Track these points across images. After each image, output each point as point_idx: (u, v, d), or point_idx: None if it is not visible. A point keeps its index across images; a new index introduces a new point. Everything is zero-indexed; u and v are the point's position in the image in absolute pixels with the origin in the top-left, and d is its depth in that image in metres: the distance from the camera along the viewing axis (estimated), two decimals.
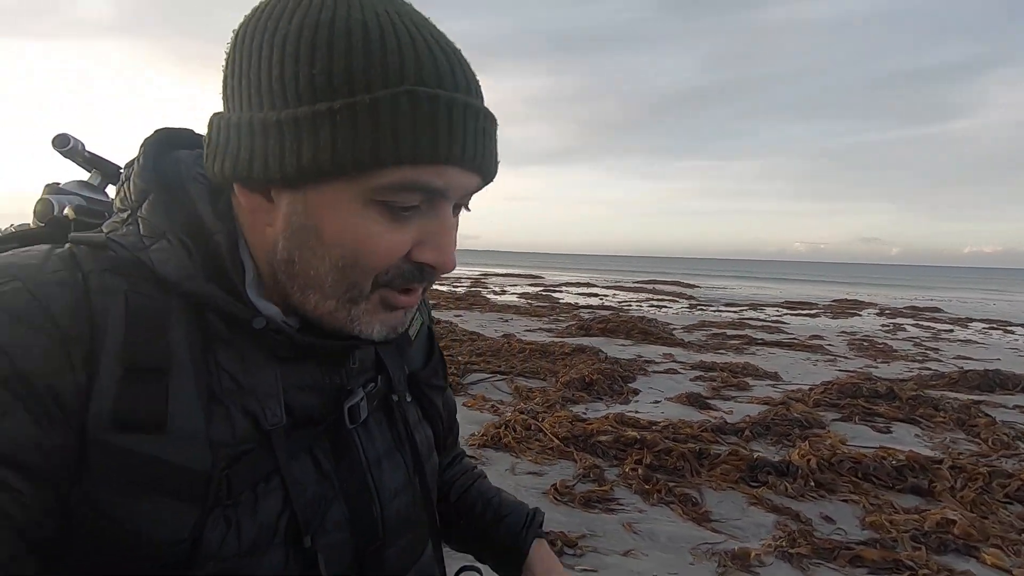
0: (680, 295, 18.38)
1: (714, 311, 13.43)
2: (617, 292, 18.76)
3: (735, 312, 13.31)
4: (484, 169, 0.46)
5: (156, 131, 0.53)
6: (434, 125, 0.41)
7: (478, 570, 0.72)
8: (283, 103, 0.42)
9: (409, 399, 0.61)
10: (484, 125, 0.45)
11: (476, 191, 0.48)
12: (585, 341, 7.30)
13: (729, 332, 9.20)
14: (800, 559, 2.39)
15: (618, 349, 7.11)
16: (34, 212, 0.61)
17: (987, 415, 4.49)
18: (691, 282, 25.85)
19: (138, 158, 0.51)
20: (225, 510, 0.45)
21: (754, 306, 15.24)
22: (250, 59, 0.43)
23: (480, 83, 0.47)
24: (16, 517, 0.39)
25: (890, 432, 4.20)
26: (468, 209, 0.51)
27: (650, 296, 17.51)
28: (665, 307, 14.15)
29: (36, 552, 0.40)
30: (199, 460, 0.43)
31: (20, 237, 0.53)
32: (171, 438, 0.43)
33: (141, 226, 0.47)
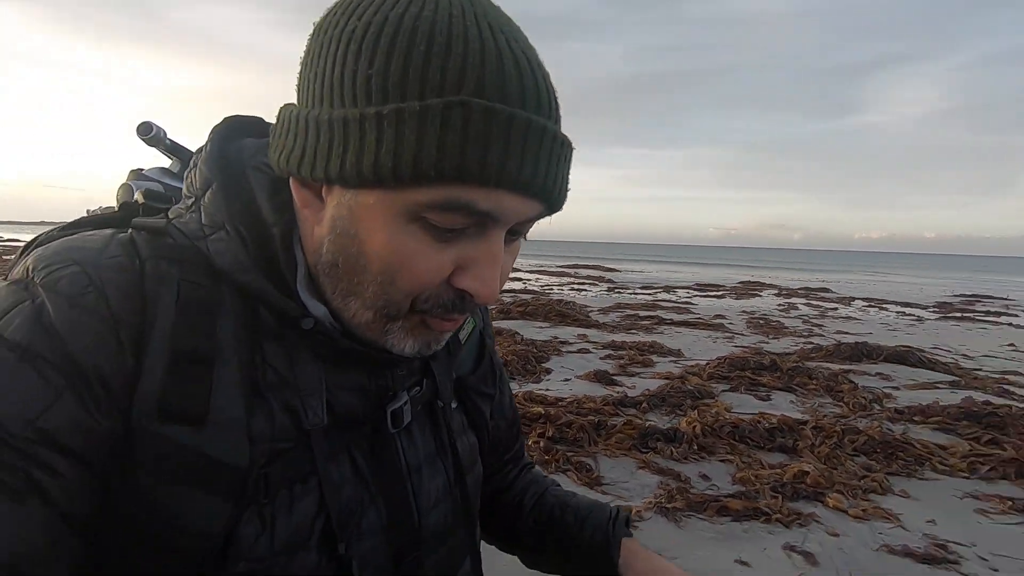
0: (600, 279, 19.07)
1: (630, 294, 14.06)
2: (540, 276, 19.18)
3: (649, 295, 14.01)
4: (545, 196, 0.41)
5: (226, 118, 0.53)
6: (486, 142, 0.38)
7: None
8: (340, 102, 0.40)
9: (455, 405, 0.59)
10: (552, 148, 0.41)
11: (537, 219, 0.44)
12: (504, 324, 7.49)
13: (642, 313, 9.71)
14: (675, 512, 2.67)
15: (535, 331, 7.36)
16: (116, 197, 0.61)
17: (851, 382, 5.08)
18: (612, 266, 26.77)
19: (206, 145, 0.50)
20: (260, 508, 0.44)
21: (668, 288, 16.09)
22: (320, 52, 0.41)
23: (560, 104, 0.43)
24: (60, 501, 0.39)
25: (770, 399, 4.68)
26: (525, 238, 0.48)
27: (571, 280, 18.05)
28: (585, 290, 14.66)
29: (78, 536, 0.40)
30: (238, 455, 0.42)
31: (93, 221, 0.53)
32: (212, 430, 0.42)
33: (203, 215, 0.47)
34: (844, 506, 2.80)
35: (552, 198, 0.42)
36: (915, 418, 4.13)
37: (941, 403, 4.34)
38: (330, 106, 0.41)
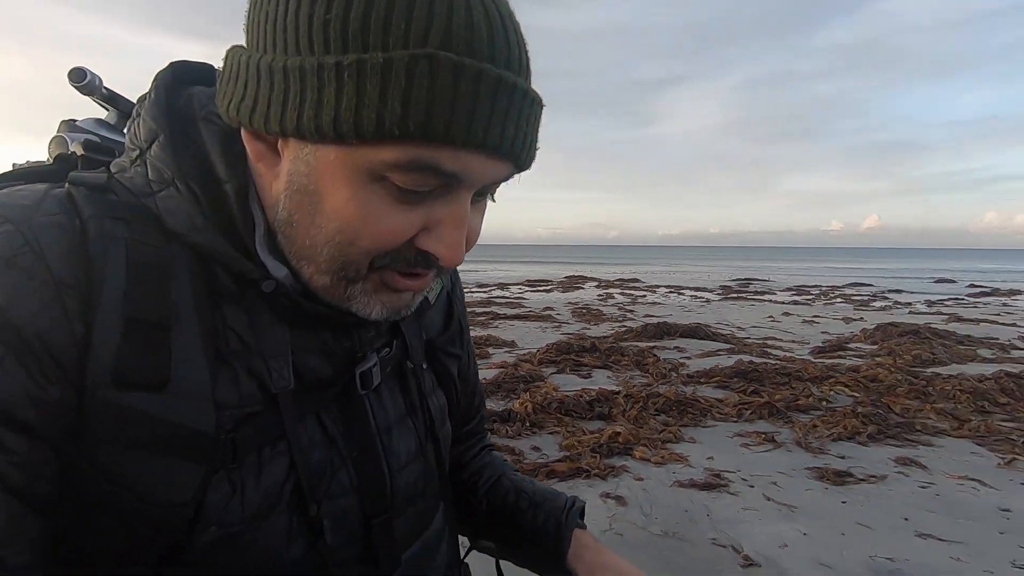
0: None
1: (467, 292, 14.45)
2: None
3: (484, 292, 14.58)
4: (515, 156, 0.40)
5: (170, 64, 0.48)
6: (453, 100, 0.35)
7: (491, 546, 0.69)
8: (295, 49, 0.37)
9: (425, 366, 0.58)
10: (522, 107, 0.38)
11: (505, 179, 0.42)
12: None
13: (478, 310, 10.10)
14: None
15: None
16: (48, 150, 0.56)
17: (655, 356, 5.91)
18: None
19: (149, 93, 0.46)
20: (229, 473, 0.42)
21: (501, 285, 16.87)
22: None
23: (531, 60, 0.40)
24: (12, 478, 0.36)
25: (591, 377, 5.26)
26: (493, 200, 0.45)
27: None
28: None
29: (38, 514, 0.38)
30: (204, 420, 0.41)
31: (23, 174, 0.48)
32: (174, 396, 0.40)
33: (149, 169, 0.43)
34: (648, 456, 3.32)
35: (521, 159, 0.40)
36: (701, 380, 4.98)
37: (720, 366, 5.28)
38: (284, 52, 0.37)
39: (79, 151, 0.52)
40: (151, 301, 0.41)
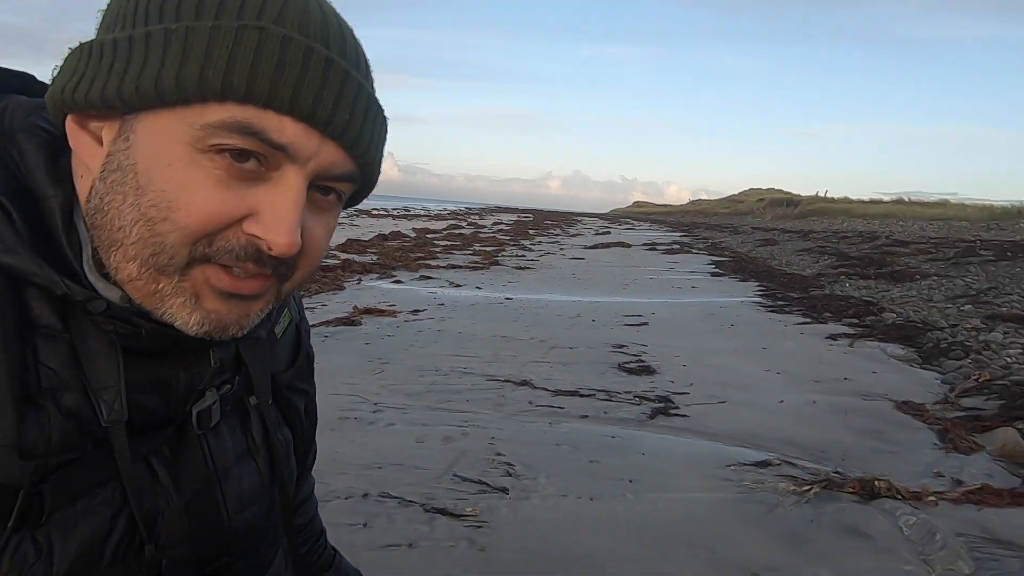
0: None
1: None
2: None
3: None
4: (350, 144, 0.39)
5: None
6: (280, 65, 0.36)
7: None
8: (131, 24, 0.37)
9: (270, 401, 0.55)
10: (357, 96, 0.39)
11: (348, 179, 0.42)
12: None
13: None
14: None
15: None
16: None
17: None
18: None
19: None
20: (34, 532, 0.39)
21: None
22: None
23: (370, 65, 0.41)
24: None
25: None
26: (340, 198, 0.43)
27: None
28: None
29: None
30: (3, 472, 0.37)
31: None
32: None
33: None
34: None
35: (359, 150, 0.40)
36: None
37: None
38: (121, 29, 0.38)
39: None
40: None
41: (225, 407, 0.50)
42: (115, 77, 0.37)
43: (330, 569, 0.75)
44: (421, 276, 8.11)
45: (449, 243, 13.17)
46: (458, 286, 7.51)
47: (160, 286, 0.40)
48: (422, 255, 10.23)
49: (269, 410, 0.54)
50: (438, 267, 9.11)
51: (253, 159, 0.38)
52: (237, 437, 0.52)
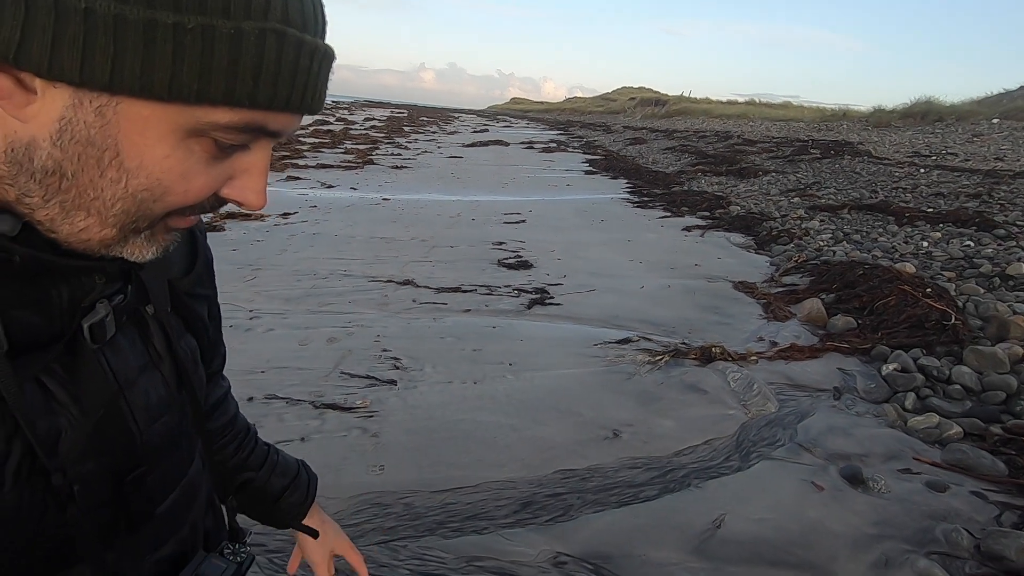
0: None
1: None
2: None
3: None
4: (319, 111, 0.43)
5: None
6: (297, 74, 0.38)
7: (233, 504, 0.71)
8: None
9: (169, 310, 0.54)
10: (327, 68, 0.41)
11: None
12: None
13: None
14: None
15: None
16: None
17: None
18: None
19: None
20: None
21: None
22: None
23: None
24: None
25: None
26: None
27: None
28: None
29: None
30: None
31: None
32: None
33: None
34: None
35: (319, 110, 0.44)
36: None
37: None
38: None
39: None
40: None
41: (120, 319, 0.48)
42: (103, 58, 0.34)
43: (263, 466, 0.76)
44: (288, 177, 7.57)
45: (317, 140, 12.22)
46: (331, 187, 7.14)
47: (128, 240, 0.41)
48: (288, 154, 9.45)
49: (169, 319, 0.54)
50: (307, 167, 8.51)
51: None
52: (138, 349, 0.51)
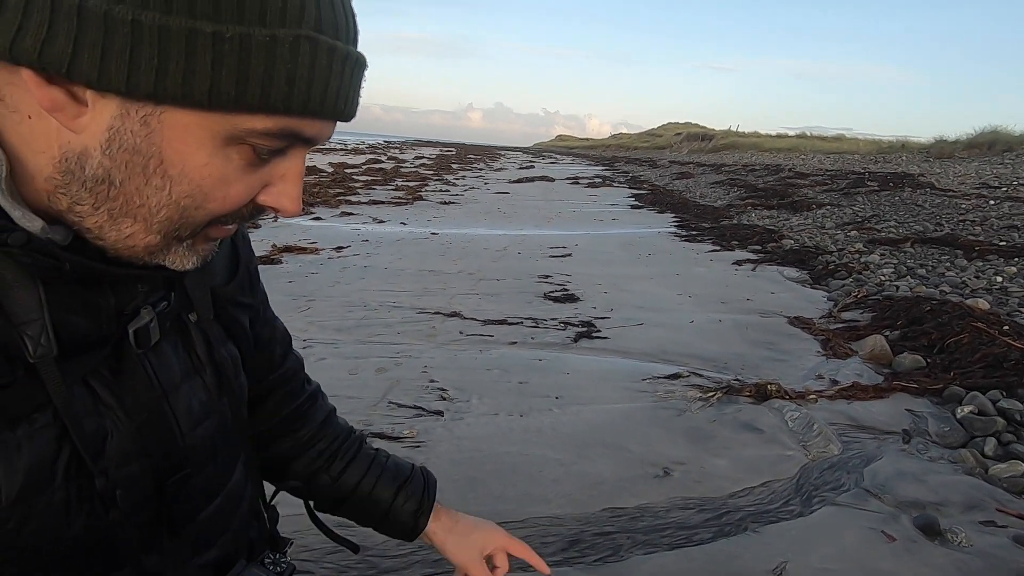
0: None
1: None
2: None
3: None
4: (351, 118, 0.43)
5: None
6: (330, 80, 0.38)
7: (299, 486, 0.70)
8: (150, 4, 0.34)
9: (212, 318, 0.55)
10: (361, 75, 0.42)
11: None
12: None
13: None
14: None
15: None
16: None
17: None
18: None
19: None
20: None
21: None
22: None
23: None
24: None
25: None
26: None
27: None
28: None
29: None
30: None
31: None
32: None
33: None
34: None
35: (351, 118, 0.44)
36: None
37: None
38: (133, 4, 0.33)
39: None
40: None
41: (164, 325, 0.50)
42: (148, 68, 0.34)
43: (366, 474, 0.74)
44: (342, 212, 7.85)
45: (369, 178, 12.70)
46: (382, 222, 7.36)
47: (171, 248, 0.43)
48: (342, 191, 9.83)
49: (211, 327, 0.55)
50: (359, 203, 8.83)
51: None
52: (181, 355, 0.52)
